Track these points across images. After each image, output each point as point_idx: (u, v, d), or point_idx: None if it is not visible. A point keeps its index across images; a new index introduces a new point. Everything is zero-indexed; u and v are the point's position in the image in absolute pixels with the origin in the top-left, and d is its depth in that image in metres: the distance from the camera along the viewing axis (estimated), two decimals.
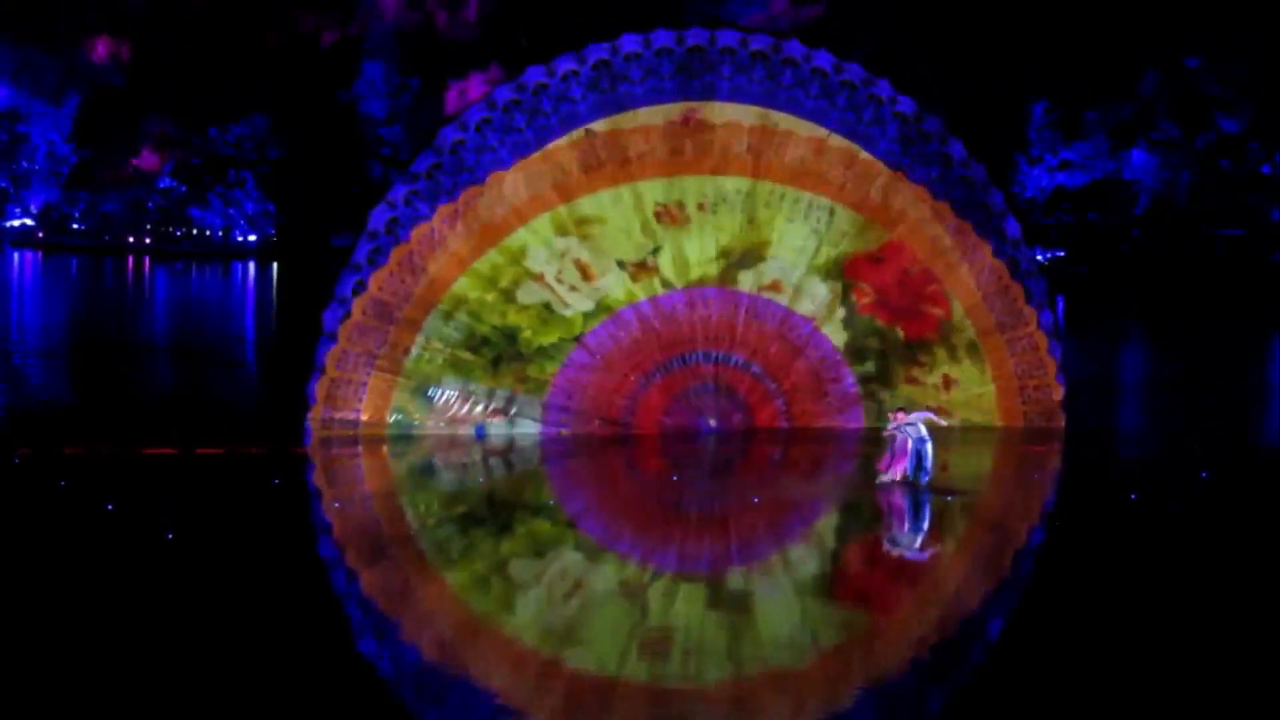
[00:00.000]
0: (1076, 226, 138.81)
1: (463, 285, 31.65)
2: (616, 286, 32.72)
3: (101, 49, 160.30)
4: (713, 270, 33.13)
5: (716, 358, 33.23)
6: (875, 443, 32.36)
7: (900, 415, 27.49)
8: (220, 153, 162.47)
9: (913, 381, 34.28)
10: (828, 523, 26.19)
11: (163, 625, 17.00)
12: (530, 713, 15.22)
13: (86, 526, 22.12)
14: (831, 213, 33.24)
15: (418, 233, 31.17)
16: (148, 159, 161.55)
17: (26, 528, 22.11)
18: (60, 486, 25.16)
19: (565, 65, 31.87)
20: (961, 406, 34.31)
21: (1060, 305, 52.36)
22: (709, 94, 32.42)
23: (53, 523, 22.46)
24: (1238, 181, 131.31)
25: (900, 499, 26.43)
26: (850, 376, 34.02)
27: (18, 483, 25.81)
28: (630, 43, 32.07)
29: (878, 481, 27.10)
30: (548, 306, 32.42)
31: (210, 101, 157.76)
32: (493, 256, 31.79)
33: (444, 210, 31.32)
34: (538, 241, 32.07)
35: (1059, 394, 34.51)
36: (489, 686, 15.99)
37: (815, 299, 33.70)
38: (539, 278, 32.21)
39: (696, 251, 33.06)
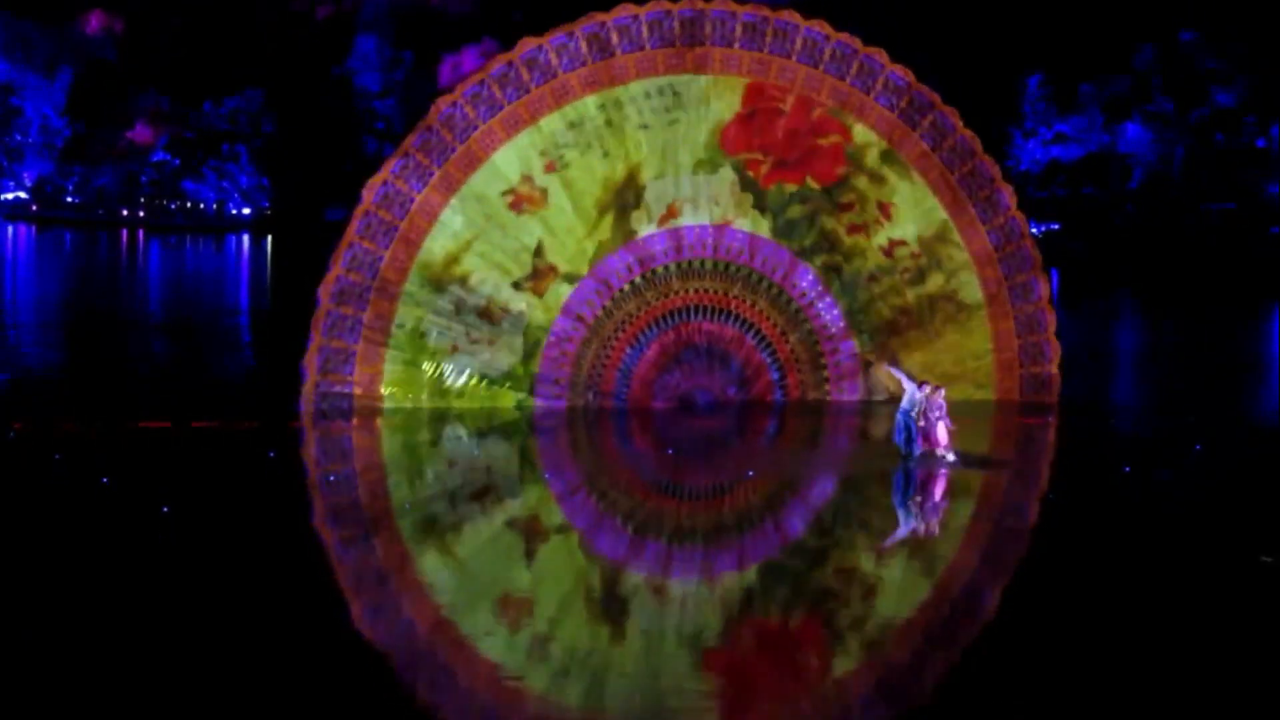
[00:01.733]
0: (1071, 200, 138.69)
1: (430, 247, 31.61)
2: (532, 309, 32.31)
3: (95, 23, 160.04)
4: (606, 233, 32.58)
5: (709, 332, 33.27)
6: (868, 415, 32.53)
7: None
8: (214, 126, 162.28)
9: (856, 230, 33.65)
10: (824, 498, 26.19)
11: (158, 598, 17.02)
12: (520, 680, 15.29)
13: (82, 500, 22.12)
14: (674, 91, 32.51)
15: (398, 202, 31.12)
16: (142, 132, 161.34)
17: (22, 502, 22.11)
18: (55, 460, 25.16)
19: (556, 39, 31.82)
20: (910, 220, 33.83)
21: (1055, 279, 52.44)
22: (701, 63, 32.51)
23: (48, 497, 22.46)
24: (1232, 156, 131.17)
25: (901, 472, 26.44)
26: (849, 345, 34.05)
27: (13, 456, 25.81)
28: (620, 15, 32.04)
29: (939, 456, 26.88)
30: (484, 377, 32.33)
31: (204, 75, 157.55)
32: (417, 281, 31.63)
33: (431, 181, 31.34)
34: (423, 312, 31.62)
35: (1056, 366, 34.55)
36: (480, 659, 16.03)
37: (715, 199, 33.09)
38: (453, 350, 32.00)
39: (577, 224, 32.41)
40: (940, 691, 15.21)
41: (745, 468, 27.48)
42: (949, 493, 25.81)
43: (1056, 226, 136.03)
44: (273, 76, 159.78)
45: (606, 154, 32.35)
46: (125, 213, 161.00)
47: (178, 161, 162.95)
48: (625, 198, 32.62)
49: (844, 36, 33.09)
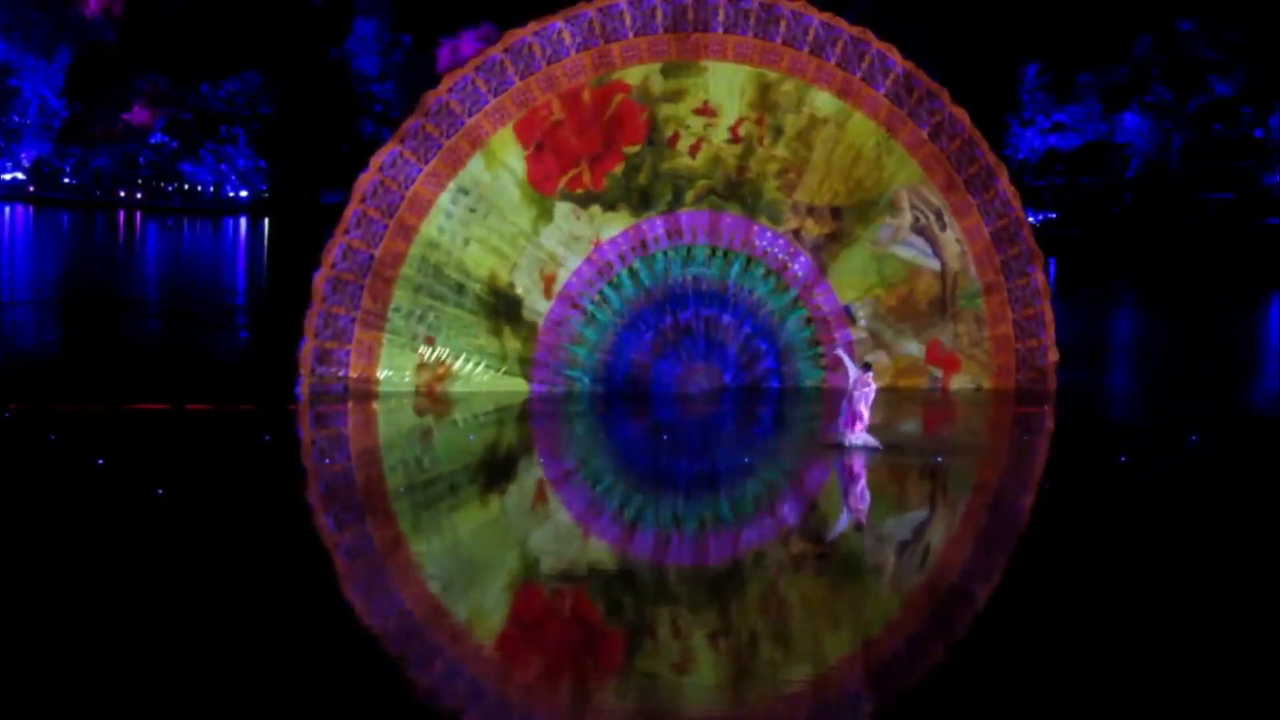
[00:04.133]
0: (1068, 189, 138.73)
1: (427, 232, 31.73)
2: (529, 294, 32.73)
3: (94, 4, 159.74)
4: (516, 343, 32.63)
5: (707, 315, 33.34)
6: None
7: (867, 374, 27.21)
8: (212, 109, 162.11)
9: (696, 148, 33.11)
10: (818, 487, 26.21)
11: (151, 581, 17.04)
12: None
13: (77, 482, 22.12)
14: (461, 189, 31.88)
15: (389, 196, 31.16)
16: (139, 114, 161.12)
17: (17, 482, 22.12)
18: (51, 441, 25.16)
19: (542, 29, 31.83)
20: (732, 99, 33.15)
21: (1052, 268, 52.53)
22: (697, 49, 32.58)
23: (43, 478, 22.47)
24: (1230, 146, 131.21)
25: (889, 462, 26.47)
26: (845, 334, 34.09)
27: (8, 437, 25.80)
28: (607, 3, 32.03)
29: (847, 443, 26.86)
30: (480, 361, 32.50)
31: (202, 57, 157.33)
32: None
33: (427, 167, 31.39)
34: (419, 297, 31.80)
35: (1053, 356, 34.60)
36: (473, 640, 16.07)
37: (573, 235, 32.71)
38: (449, 334, 32.15)
39: (488, 362, 32.51)
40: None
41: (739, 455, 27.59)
42: (934, 484, 25.88)
43: (1054, 216, 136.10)
44: (271, 59, 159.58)
45: (460, 288, 32.10)
46: (122, 194, 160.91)
47: (175, 144, 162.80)
48: (503, 307, 32.51)
49: (828, 17, 33.07)
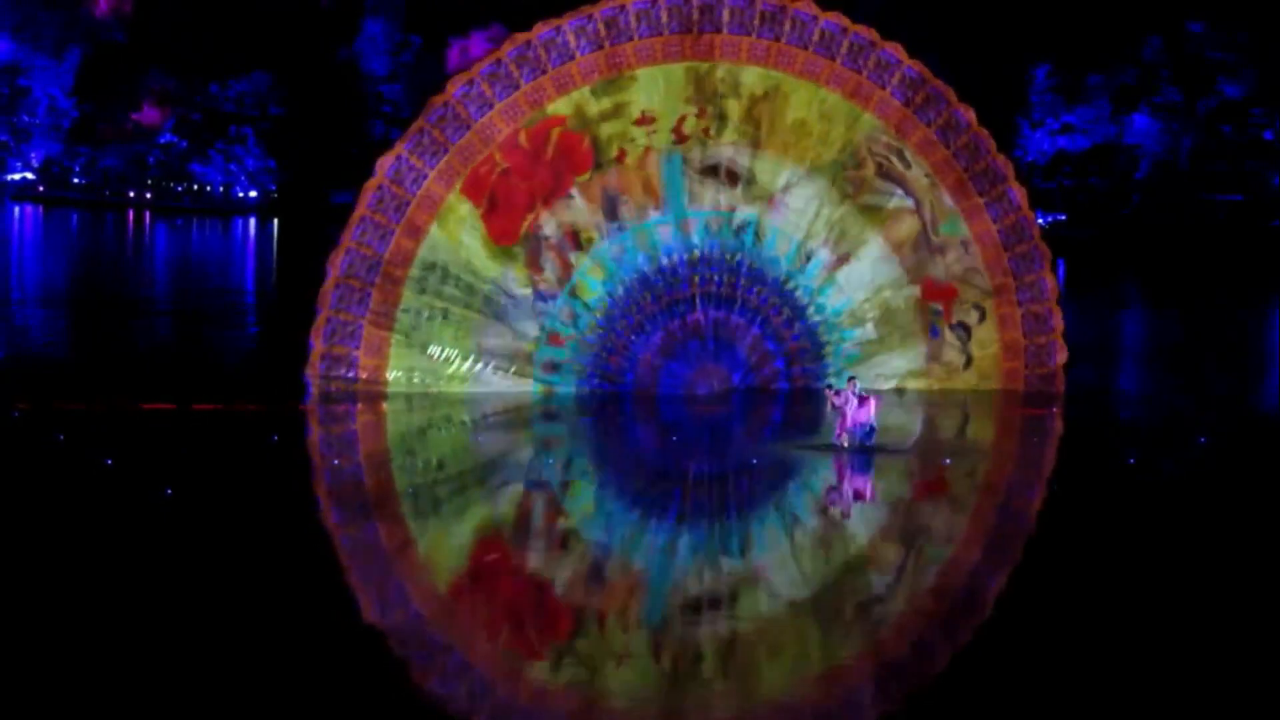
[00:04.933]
0: (1077, 191, 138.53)
1: (435, 234, 31.78)
2: (537, 294, 32.76)
3: (104, 4, 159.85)
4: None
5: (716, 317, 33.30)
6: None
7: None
8: (222, 109, 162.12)
9: (646, 160, 32.80)
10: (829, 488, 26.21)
11: (159, 580, 17.06)
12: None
13: (85, 481, 22.15)
14: (426, 264, 31.93)
15: (410, 178, 31.21)
16: (149, 114, 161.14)
17: (26, 482, 22.14)
18: (59, 441, 25.19)
19: (575, 21, 31.87)
20: (669, 102, 32.88)
21: (1061, 269, 52.40)
22: (709, 50, 32.55)
23: (51, 477, 22.49)
24: (1239, 147, 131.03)
25: (891, 464, 26.48)
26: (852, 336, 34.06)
27: (16, 437, 25.84)
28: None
29: (844, 445, 26.95)
30: (488, 362, 32.54)
31: (212, 57, 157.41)
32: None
33: (438, 165, 31.43)
34: (428, 297, 31.93)
35: (1061, 357, 34.49)
36: (481, 639, 16.09)
37: (546, 262, 32.63)
38: (457, 334, 32.26)
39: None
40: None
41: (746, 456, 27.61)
42: (943, 485, 25.90)
43: (1063, 217, 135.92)
44: (280, 59, 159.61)
45: (470, 289, 32.15)
46: (132, 194, 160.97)
47: (185, 144, 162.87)
48: (511, 307, 32.47)
49: (861, 29, 33.00)
